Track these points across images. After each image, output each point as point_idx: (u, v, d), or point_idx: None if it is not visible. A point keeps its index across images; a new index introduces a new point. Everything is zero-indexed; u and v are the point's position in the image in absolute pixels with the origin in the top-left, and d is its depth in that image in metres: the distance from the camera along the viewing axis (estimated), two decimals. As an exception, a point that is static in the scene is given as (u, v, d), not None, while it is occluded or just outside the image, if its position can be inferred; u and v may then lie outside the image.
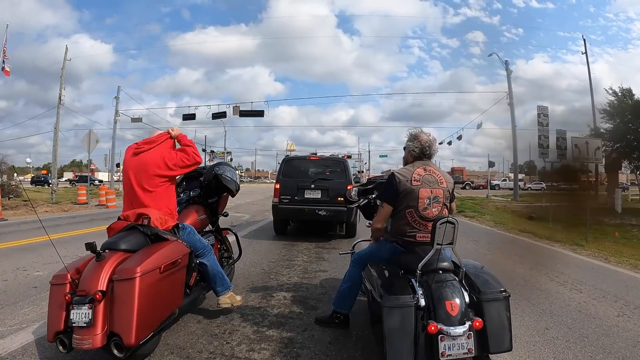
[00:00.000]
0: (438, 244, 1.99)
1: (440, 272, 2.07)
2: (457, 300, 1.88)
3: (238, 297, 3.08)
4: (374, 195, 3.37)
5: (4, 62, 14.55)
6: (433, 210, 2.40)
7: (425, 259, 2.03)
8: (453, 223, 2.01)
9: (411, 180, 2.40)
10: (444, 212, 2.41)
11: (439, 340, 1.79)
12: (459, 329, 1.81)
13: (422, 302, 1.95)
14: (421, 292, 1.99)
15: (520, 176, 28.13)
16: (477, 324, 1.84)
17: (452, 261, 2.18)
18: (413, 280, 2.08)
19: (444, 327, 1.80)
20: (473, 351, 1.82)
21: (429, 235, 2.21)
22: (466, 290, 2.01)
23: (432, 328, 1.79)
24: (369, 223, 3.61)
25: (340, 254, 4.53)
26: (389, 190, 2.49)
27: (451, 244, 2.04)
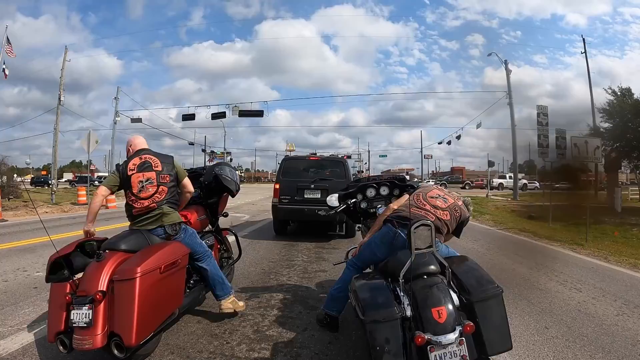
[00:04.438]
0: (416, 249, 1.89)
1: (425, 276, 1.94)
2: (444, 306, 1.76)
3: (241, 303, 3.09)
4: (353, 200, 3.33)
5: (4, 63, 14.62)
6: (437, 202, 2.53)
7: (405, 266, 1.91)
8: (428, 225, 1.92)
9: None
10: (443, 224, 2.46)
11: (429, 351, 1.68)
12: (449, 337, 1.69)
13: (409, 312, 1.82)
14: (407, 302, 1.86)
15: (520, 175, 28.19)
16: (469, 328, 1.72)
17: (439, 261, 2.02)
18: (398, 289, 1.96)
19: (432, 337, 1.68)
20: (467, 357, 1.71)
21: (424, 211, 2.39)
22: (455, 291, 1.90)
23: (419, 339, 1.67)
24: (358, 227, 3.59)
25: (334, 265, 4.48)
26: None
27: (430, 247, 1.93)
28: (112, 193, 2.72)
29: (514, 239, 8.15)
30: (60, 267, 2.23)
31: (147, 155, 2.75)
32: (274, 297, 3.69)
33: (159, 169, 2.72)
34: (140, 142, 2.89)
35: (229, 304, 2.96)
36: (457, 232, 2.61)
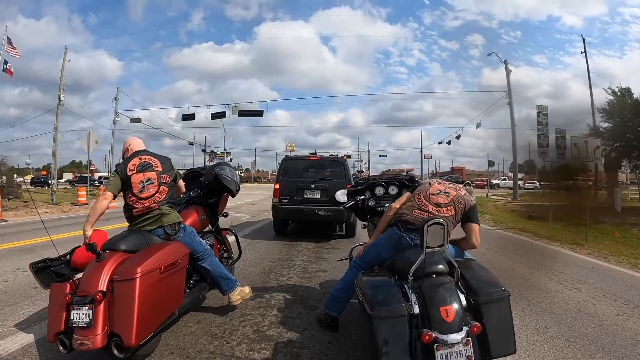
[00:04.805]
0: (428, 247, 1.90)
1: (434, 275, 1.96)
2: (452, 305, 1.77)
3: (247, 289, 3.11)
4: (361, 197, 3.35)
5: (5, 62, 14.64)
6: (439, 199, 2.50)
7: (415, 264, 1.92)
8: (442, 224, 1.94)
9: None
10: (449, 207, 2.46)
11: (435, 350, 1.69)
12: (456, 336, 1.70)
13: (416, 310, 1.83)
14: (415, 299, 1.87)
15: (520, 175, 28.24)
16: (475, 329, 1.73)
17: (448, 261, 2.04)
18: (406, 286, 1.96)
19: (439, 336, 1.69)
20: (472, 358, 1.72)
21: (427, 213, 2.32)
22: (463, 292, 1.91)
23: (427, 337, 1.68)
24: (364, 225, 3.60)
25: (337, 261, 4.51)
26: None
27: (442, 246, 1.95)
28: (115, 198, 2.71)
29: (514, 239, 8.15)
30: (44, 270, 2.34)
31: (147, 156, 2.76)
32: (274, 297, 3.69)
33: (160, 169, 2.73)
34: (138, 143, 2.90)
35: (236, 295, 3.00)
36: (474, 219, 2.54)
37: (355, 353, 2.52)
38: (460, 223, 2.54)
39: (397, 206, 2.64)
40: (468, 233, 2.53)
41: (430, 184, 2.65)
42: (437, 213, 2.42)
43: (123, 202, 2.75)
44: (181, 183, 3.04)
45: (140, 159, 2.72)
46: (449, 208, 2.46)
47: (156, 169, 2.72)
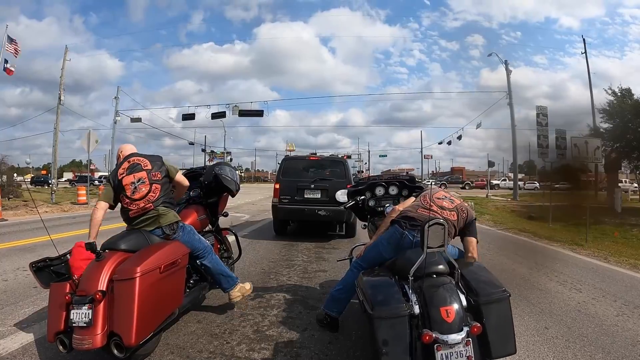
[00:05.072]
0: (429, 248, 1.90)
1: (435, 275, 1.97)
2: (453, 306, 1.77)
3: (247, 286, 3.11)
4: (362, 198, 3.35)
5: (6, 61, 14.65)
6: (444, 203, 2.55)
7: (416, 264, 1.92)
8: (443, 224, 1.94)
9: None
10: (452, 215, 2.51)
11: (435, 350, 1.69)
12: (456, 337, 1.70)
13: (417, 310, 1.83)
14: (415, 299, 1.87)
15: (520, 176, 28.24)
16: (476, 329, 1.73)
17: (448, 262, 2.04)
18: (407, 286, 1.96)
19: (440, 336, 1.69)
20: (473, 358, 1.72)
21: (431, 212, 2.32)
22: (463, 293, 1.91)
23: (427, 337, 1.68)
24: (364, 225, 3.60)
25: (338, 261, 4.51)
26: None
27: (442, 246, 1.96)
28: (111, 207, 2.73)
29: (514, 239, 8.15)
30: (43, 270, 2.34)
31: (135, 158, 2.76)
32: (274, 297, 3.69)
33: (149, 167, 2.72)
34: (129, 148, 2.92)
35: (236, 292, 3.00)
36: (473, 233, 2.58)
37: (355, 353, 2.52)
38: (460, 236, 2.58)
39: (401, 209, 2.65)
40: (466, 247, 2.55)
41: (436, 190, 2.72)
42: (440, 214, 2.44)
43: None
44: (180, 178, 2.97)
45: (129, 161, 2.74)
46: (452, 213, 2.51)
47: (145, 167, 2.71)
